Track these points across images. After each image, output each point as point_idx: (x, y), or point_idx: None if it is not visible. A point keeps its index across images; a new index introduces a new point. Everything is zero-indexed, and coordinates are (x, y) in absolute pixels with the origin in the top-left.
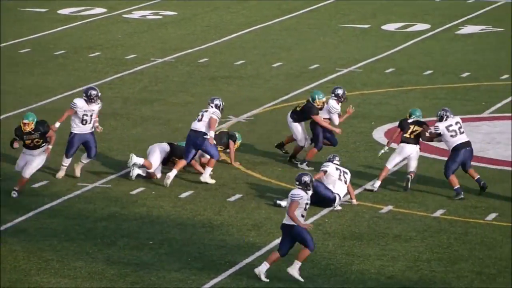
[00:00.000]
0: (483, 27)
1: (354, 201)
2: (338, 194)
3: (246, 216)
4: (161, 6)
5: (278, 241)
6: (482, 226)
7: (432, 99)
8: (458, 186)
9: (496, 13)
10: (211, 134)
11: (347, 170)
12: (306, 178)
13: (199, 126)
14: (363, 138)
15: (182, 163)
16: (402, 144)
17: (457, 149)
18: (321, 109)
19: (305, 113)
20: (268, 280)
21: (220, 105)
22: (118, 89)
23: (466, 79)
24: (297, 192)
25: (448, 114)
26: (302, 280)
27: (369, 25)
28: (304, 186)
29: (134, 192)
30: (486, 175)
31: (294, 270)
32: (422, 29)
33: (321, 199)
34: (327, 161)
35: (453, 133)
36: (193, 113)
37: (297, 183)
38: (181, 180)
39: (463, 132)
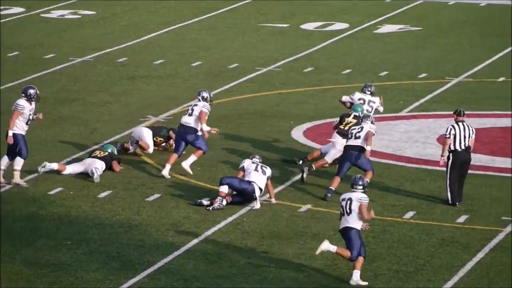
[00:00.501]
0: (401, 26)
1: (273, 200)
2: (255, 183)
3: (164, 215)
4: (80, 5)
5: (197, 240)
6: (400, 224)
7: None
8: (332, 188)
9: (414, 12)
10: (205, 128)
11: (266, 166)
12: (366, 181)
13: (190, 120)
14: (282, 137)
15: (174, 157)
16: (336, 135)
17: (344, 149)
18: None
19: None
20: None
21: (207, 97)
22: (37, 88)
23: (385, 78)
24: (365, 195)
25: (363, 118)
26: (366, 283)
27: (288, 25)
28: (364, 188)
29: (52, 192)
30: (404, 173)
31: (355, 281)
32: (340, 28)
33: (240, 193)
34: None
35: (350, 136)
36: (112, 112)
37: (359, 187)
38: (100, 179)
39: (357, 138)
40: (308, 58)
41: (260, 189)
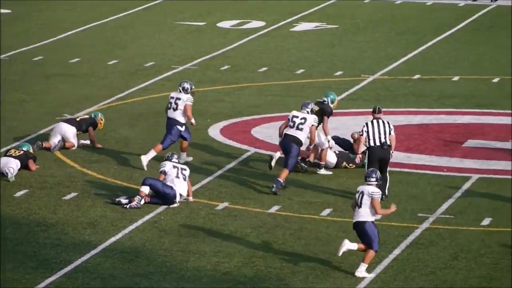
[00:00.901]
0: (317, 24)
1: (191, 199)
2: (177, 190)
3: (81, 214)
4: None
5: (114, 239)
6: (317, 221)
7: (267, 95)
8: (280, 180)
9: (330, 10)
10: (193, 121)
11: (185, 167)
12: (378, 174)
13: (175, 115)
14: (199, 135)
15: (159, 148)
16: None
17: (284, 136)
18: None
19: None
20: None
21: (188, 88)
22: None
23: (301, 75)
24: (377, 189)
25: (303, 106)
26: (371, 275)
27: (204, 23)
28: (378, 181)
29: None
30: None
31: (360, 273)
32: (257, 26)
33: (161, 196)
34: (165, 160)
35: (292, 124)
36: (28, 111)
37: (373, 179)
38: (16, 178)
39: (297, 128)
40: (224, 56)
41: (181, 195)
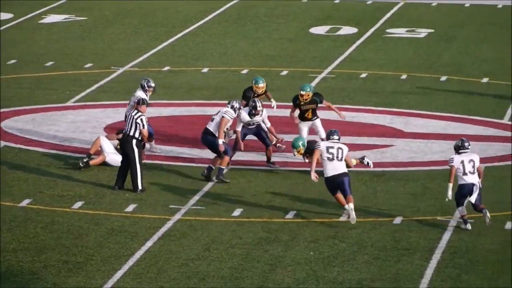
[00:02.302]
0: (66, 16)
1: None
2: None
3: None
4: None
5: None
6: (69, 214)
7: (16, 88)
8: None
9: (79, 2)
10: (220, 141)
11: None
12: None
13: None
14: None
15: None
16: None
17: None
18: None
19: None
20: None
21: (236, 106)
22: None
23: (50, 68)
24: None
25: None
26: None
27: None
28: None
29: None
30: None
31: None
32: (5, 18)
33: None
34: None
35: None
36: None
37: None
38: None
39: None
40: None
41: None
